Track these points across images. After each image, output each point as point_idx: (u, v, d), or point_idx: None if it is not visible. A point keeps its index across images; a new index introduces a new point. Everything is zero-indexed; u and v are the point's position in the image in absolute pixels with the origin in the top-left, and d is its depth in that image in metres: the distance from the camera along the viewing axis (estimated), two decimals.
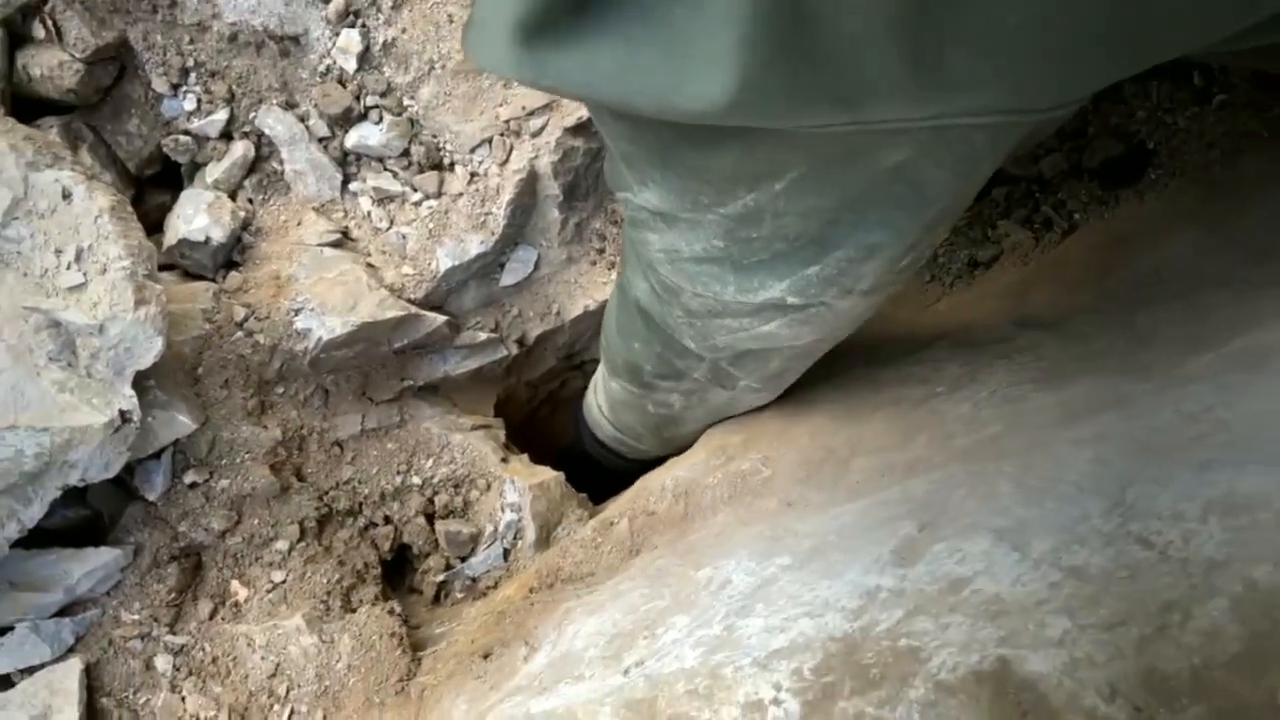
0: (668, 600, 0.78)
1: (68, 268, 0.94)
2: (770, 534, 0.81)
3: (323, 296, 1.10)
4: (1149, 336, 0.79)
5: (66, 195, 0.94)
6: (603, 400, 1.21)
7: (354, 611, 1.04)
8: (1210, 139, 1.03)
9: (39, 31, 1.10)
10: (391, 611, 1.03)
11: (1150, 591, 0.52)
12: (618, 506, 1.01)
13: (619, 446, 1.26)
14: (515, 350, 1.26)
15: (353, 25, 1.15)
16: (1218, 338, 0.72)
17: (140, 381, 0.99)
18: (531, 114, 1.16)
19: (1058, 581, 0.56)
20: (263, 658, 1.01)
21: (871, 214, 0.65)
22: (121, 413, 0.95)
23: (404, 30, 1.15)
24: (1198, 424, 0.64)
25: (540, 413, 1.43)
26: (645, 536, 0.94)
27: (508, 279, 1.23)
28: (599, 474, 1.31)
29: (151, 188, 1.26)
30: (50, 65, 1.10)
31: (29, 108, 1.13)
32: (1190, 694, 0.48)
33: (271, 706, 0.99)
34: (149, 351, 0.96)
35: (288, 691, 0.99)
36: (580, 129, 1.17)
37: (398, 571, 1.20)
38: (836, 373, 1.01)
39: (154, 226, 1.22)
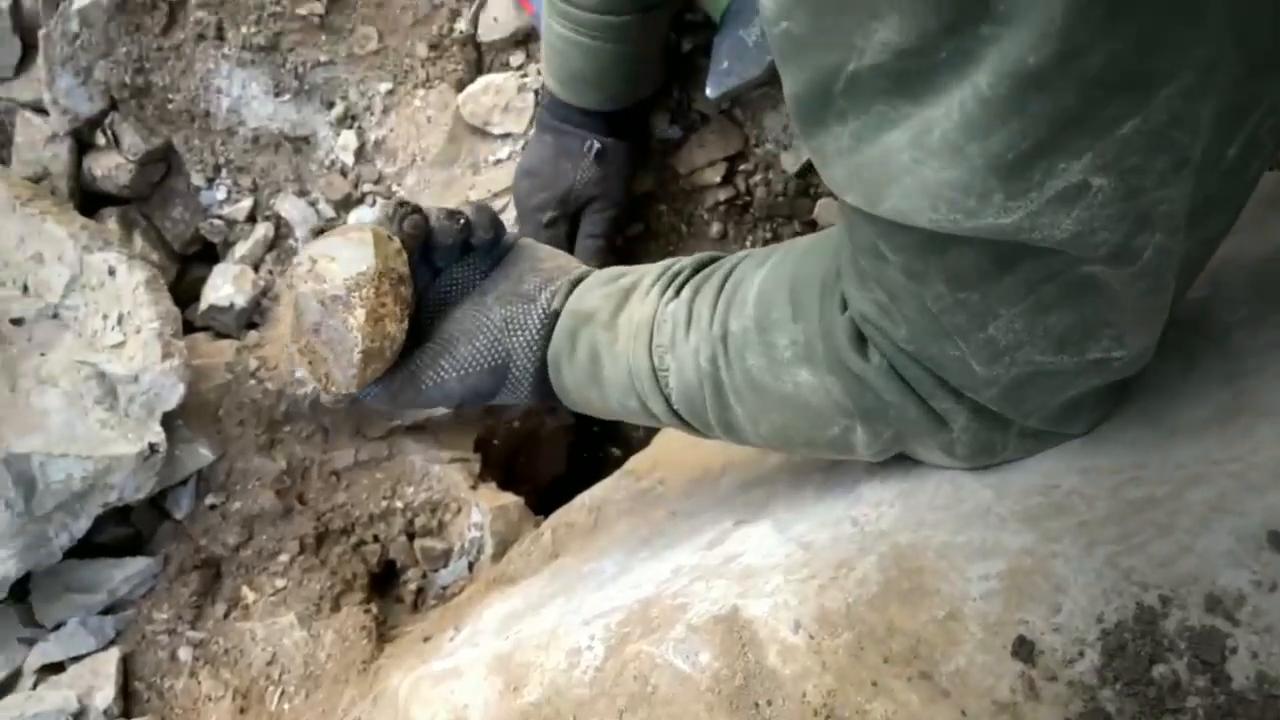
0: (556, 588, 0.96)
1: (111, 329, 1.19)
2: (646, 536, 0.99)
3: None
4: None
5: (112, 272, 1.19)
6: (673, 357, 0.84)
7: (339, 611, 1.25)
8: None
9: (100, 140, 1.37)
10: (367, 611, 1.24)
11: (836, 555, 0.69)
12: (548, 522, 1.20)
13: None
14: None
15: (350, 127, 1.39)
16: None
17: (170, 421, 1.22)
18: (497, 195, 1.38)
19: (791, 553, 0.74)
20: (263, 649, 1.22)
21: None
22: (151, 445, 1.18)
23: (392, 130, 1.39)
24: None
25: (521, 452, 1.62)
26: (564, 544, 1.12)
27: None
28: None
29: (194, 263, 1.52)
30: (109, 166, 1.37)
31: (93, 200, 1.40)
32: (845, 624, 0.65)
33: (267, 688, 1.20)
34: (173, 396, 1.20)
35: (281, 675, 1.20)
36: None
37: (388, 583, 1.40)
38: None
39: (197, 295, 1.48)
